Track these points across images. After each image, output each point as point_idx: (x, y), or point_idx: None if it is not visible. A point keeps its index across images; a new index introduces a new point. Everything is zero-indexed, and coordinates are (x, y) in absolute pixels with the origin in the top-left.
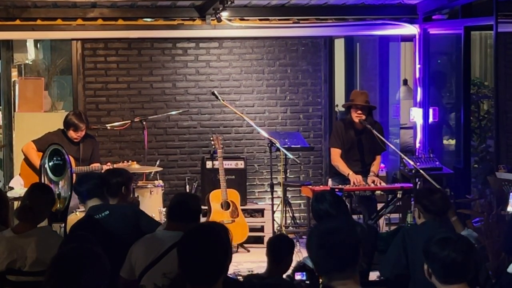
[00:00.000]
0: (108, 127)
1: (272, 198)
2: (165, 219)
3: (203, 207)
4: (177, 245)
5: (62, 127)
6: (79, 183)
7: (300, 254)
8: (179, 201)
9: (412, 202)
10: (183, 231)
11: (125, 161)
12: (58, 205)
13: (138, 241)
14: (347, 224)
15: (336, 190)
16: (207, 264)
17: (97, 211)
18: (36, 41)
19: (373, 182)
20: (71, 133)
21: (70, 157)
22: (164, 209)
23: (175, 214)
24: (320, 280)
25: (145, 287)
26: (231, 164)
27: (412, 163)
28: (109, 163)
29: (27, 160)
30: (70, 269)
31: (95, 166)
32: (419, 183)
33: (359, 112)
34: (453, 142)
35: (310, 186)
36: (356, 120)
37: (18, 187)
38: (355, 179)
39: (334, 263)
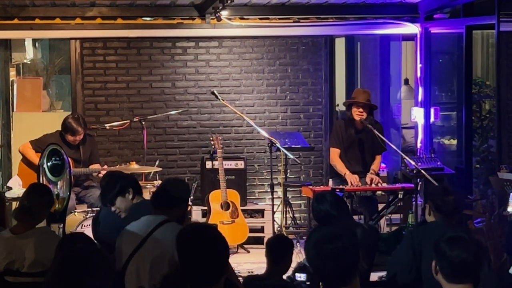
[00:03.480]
0: (107, 127)
1: (272, 199)
2: None
3: (202, 207)
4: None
5: (60, 128)
6: (127, 178)
7: (300, 254)
8: (162, 188)
9: (417, 202)
10: (165, 215)
11: (127, 163)
12: (57, 206)
13: (122, 231)
14: (345, 229)
15: (337, 190)
16: (210, 263)
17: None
18: (34, 40)
19: (372, 180)
20: (69, 137)
21: (69, 158)
22: None
23: (157, 201)
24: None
25: None
26: (231, 164)
27: (413, 163)
28: (105, 166)
29: (25, 160)
30: (76, 270)
31: (95, 167)
32: (420, 183)
33: (360, 110)
34: (454, 142)
35: (311, 187)
36: (357, 118)
37: (16, 187)
38: (351, 179)
39: (334, 271)
